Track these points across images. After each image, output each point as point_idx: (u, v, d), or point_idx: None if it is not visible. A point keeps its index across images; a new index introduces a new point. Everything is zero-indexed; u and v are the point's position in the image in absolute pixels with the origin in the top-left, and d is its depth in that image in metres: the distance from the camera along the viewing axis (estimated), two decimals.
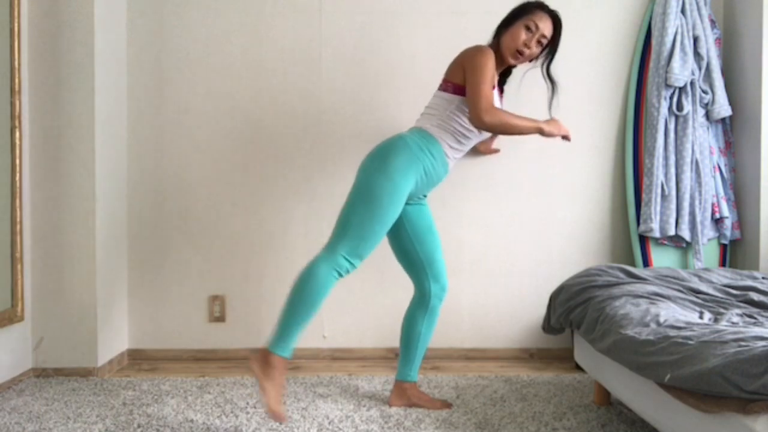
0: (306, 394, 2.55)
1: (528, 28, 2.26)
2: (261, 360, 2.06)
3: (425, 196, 2.42)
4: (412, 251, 2.39)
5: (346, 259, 2.14)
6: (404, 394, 2.41)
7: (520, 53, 2.29)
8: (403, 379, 2.43)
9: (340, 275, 2.15)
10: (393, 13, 3.08)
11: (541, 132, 2.29)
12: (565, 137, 2.37)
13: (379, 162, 2.21)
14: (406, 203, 2.34)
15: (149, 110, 3.07)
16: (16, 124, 2.59)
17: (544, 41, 2.29)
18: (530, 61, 2.35)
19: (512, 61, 2.33)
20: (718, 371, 1.44)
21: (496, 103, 2.32)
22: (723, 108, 2.98)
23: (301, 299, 2.10)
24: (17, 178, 2.60)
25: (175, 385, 2.65)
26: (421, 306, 2.42)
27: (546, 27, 2.27)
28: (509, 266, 3.13)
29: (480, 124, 2.20)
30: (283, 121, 3.08)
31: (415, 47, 3.07)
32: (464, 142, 2.34)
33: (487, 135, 2.42)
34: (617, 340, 1.87)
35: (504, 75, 2.48)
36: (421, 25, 3.08)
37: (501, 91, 2.49)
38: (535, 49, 2.30)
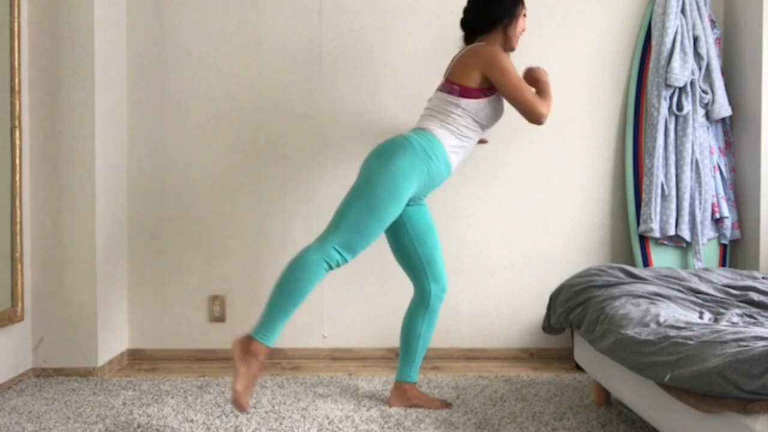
0: (306, 394, 2.55)
1: (525, 16, 2.42)
2: (243, 346, 2.05)
3: (425, 196, 2.42)
4: (412, 251, 2.39)
5: (338, 251, 2.12)
6: (404, 395, 2.41)
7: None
8: (403, 380, 2.43)
9: (330, 267, 2.13)
10: (393, 13, 3.08)
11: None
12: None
13: (383, 161, 2.20)
14: (407, 204, 2.34)
15: (149, 110, 3.07)
16: (16, 124, 2.59)
17: None
18: None
19: (515, 47, 2.43)
20: (718, 371, 1.44)
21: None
22: (723, 108, 2.98)
23: (288, 287, 2.09)
24: (17, 178, 2.60)
25: (175, 385, 2.65)
26: (421, 306, 2.41)
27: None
28: (509, 266, 3.13)
29: (543, 123, 2.34)
30: (283, 121, 3.08)
31: (415, 47, 3.07)
32: (467, 144, 2.34)
33: (485, 133, 2.42)
34: (617, 340, 1.87)
35: None
36: (421, 25, 3.08)
37: None
38: None
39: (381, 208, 2.16)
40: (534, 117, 2.30)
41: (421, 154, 2.22)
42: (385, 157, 2.21)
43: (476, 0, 2.39)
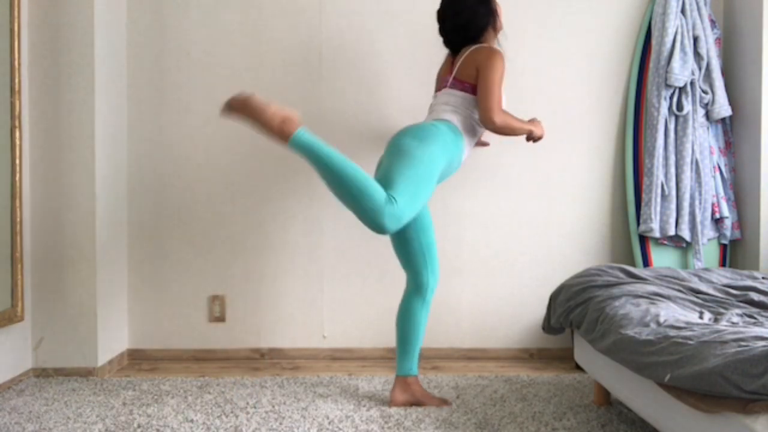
0: (306, 394, 2.55)
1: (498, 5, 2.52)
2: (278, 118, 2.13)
3: None
4: (415, 241, 2.41)
5: (395, 204, 2.07)
6: (408, 388, 2.40)
7: None
8: (406, 374, 2.42)
9: (386, 208, 2.05)
10: (393, 13, 3.08)
11: (530, 133, 2.47)
12: (540, 138, 2.54)
13: (419, 141, 2.24)
14: None
15: (149, 110, 3.07)
16: (16, 124, 2.59)
17: None
18: None
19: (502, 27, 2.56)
20: (718, 371, 1.44)
21: (504, 103, 2.41)
22: (723, 108, 2.98)
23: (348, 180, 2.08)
24: (17, 178, 2.60)
25: (175, 385, 2.65)
26: (417, 297, 2.43)
27: None
28: (509, 266, 3.13)
29: (490, 125, 2.33)
30: None
31: (415, 47, 3.06)
32: (475, 139, 2.46)
33: (485, 134, 2.47)
34: (617, 340, 1.87)
35: None
36: (420, 25, 3.07)
37: None
38: None
39: (424, 183, 2.18)
40: (487, 115, 2.31)
41: (449, 142, 2.30)
42: (420, 138, 2.25)
43: (455, 27, 2.44)
